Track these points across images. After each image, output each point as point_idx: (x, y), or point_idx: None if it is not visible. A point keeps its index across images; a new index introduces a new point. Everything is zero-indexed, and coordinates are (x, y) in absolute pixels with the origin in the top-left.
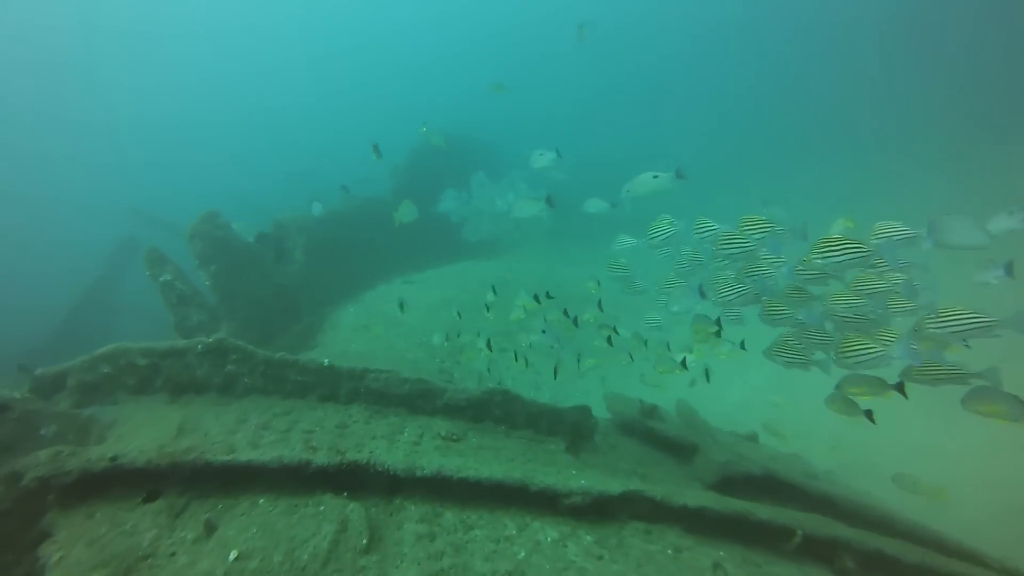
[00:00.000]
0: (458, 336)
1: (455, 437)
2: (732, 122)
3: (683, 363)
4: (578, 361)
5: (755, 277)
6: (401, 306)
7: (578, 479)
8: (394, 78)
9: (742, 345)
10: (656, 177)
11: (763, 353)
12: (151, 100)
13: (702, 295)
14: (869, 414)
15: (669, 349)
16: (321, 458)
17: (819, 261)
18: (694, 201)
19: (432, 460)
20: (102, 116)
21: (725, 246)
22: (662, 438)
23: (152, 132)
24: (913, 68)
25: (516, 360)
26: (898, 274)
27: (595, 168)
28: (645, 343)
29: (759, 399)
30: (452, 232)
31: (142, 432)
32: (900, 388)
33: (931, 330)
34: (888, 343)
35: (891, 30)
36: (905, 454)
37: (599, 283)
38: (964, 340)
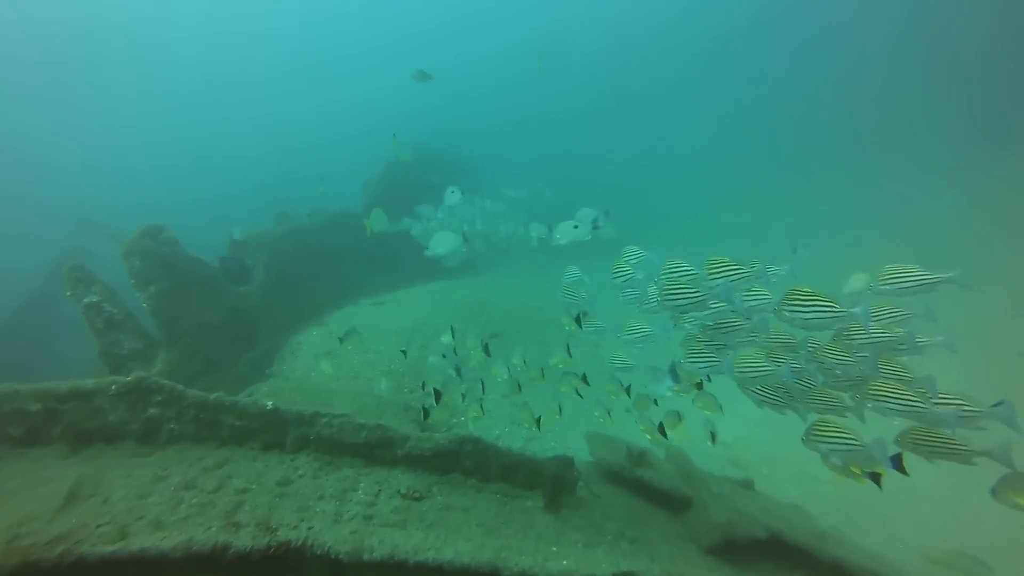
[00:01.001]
0: (423, 387)
1: (417, 495)
2: (738, 134)
3: (662, 430)
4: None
5: (723, 332)
6: (341, 340)
7: (559, 558)
8: (380, 87)
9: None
10: (576, 227)
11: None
12: (121, 101)
13: (675, 377)
14: (876, 478)
15: (656, 404)
16: (244, 539)
17: (787, 314)
18: (703, 215)
19: (384, 539)
20: (68, 113)
21: (669, 296)
22: (652, 489)
23: (120, 135)
24: (925, 77)
25: (480, 413)
26: (897, 328)
27: (592, 182)
28: (627, 389)
29: (753, 436)
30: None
31: (12, 503)
32: (897, 463)
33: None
34: (890, 402)
35: (900, 40)
36: (918, 505)
37: (579, 318)
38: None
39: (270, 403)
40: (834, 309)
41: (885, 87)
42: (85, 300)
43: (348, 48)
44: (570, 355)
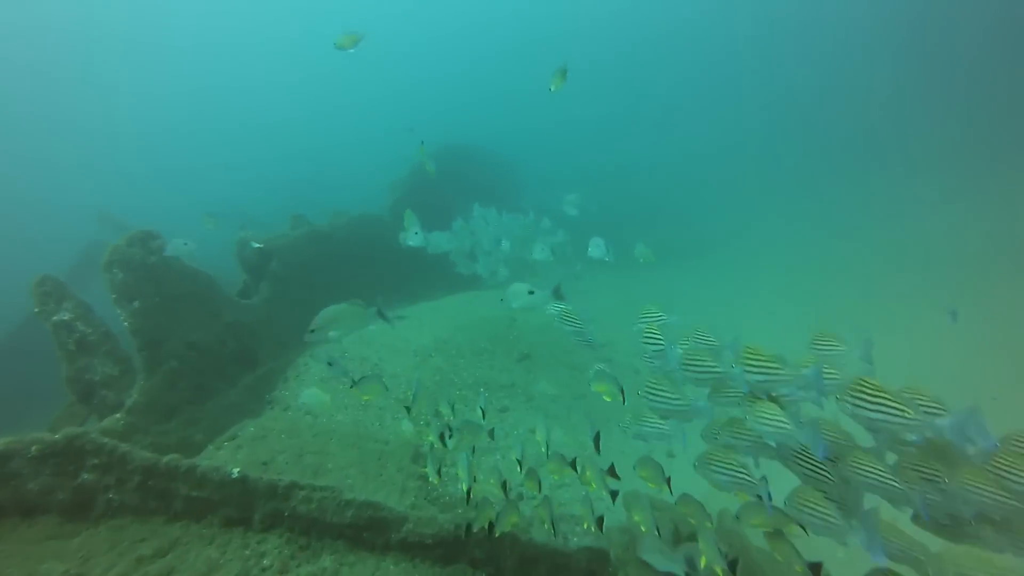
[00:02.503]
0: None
1: None
2: (753, 138)
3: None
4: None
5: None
6: (354, 384)
7: None
8: (412, 87)
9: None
10: (532, 293)
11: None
12: (145, 104)
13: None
14: None
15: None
16: None
17: (848, 407)
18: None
19: None
20: (93, 118)
21: (652, 396)
22: None
23: (144, 137)
24: (930, 89)
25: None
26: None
27: (632, 187)
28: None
29: None
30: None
31: None
32: None
33: None
34: None
35: (906, 51)
36: None
37: (621, 391)
38: None
39: (236, 470)
40: (905, 415)
41: (889, 99)
42: (54, 318)
43: (384, 48)
44: (598, 451)
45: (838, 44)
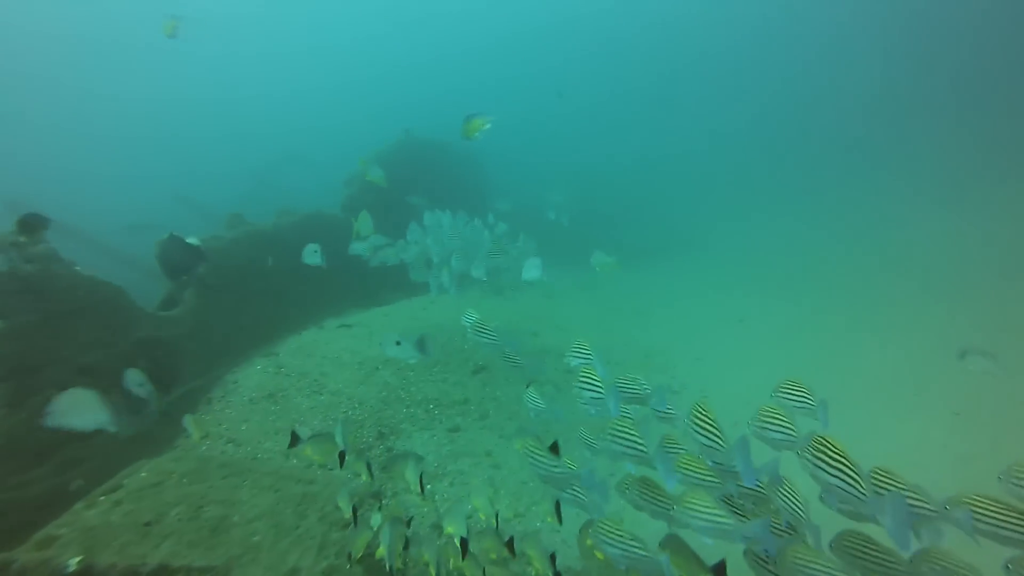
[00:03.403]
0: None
1: None
2: (742, 140)
3: None
4: None
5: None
6: (297, 442)
7: None
8: (380, 78)
9: None
10: (399, 344)
11: None
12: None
13: None
14: None
15: None
16: None
17: (809, 465)
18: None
19: None
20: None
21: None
22: None
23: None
24: (930, 98)
25: None
26: None
27: (603, 187)
28: None
29: None
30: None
31: None
32: None
33: None
34: None
35: (907, 57)
36: None
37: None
38: None
39: (75, 560)
40: (856, 481)
41: (880, 101)
42: None
43: (348, 33)
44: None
45: (829, 45)
